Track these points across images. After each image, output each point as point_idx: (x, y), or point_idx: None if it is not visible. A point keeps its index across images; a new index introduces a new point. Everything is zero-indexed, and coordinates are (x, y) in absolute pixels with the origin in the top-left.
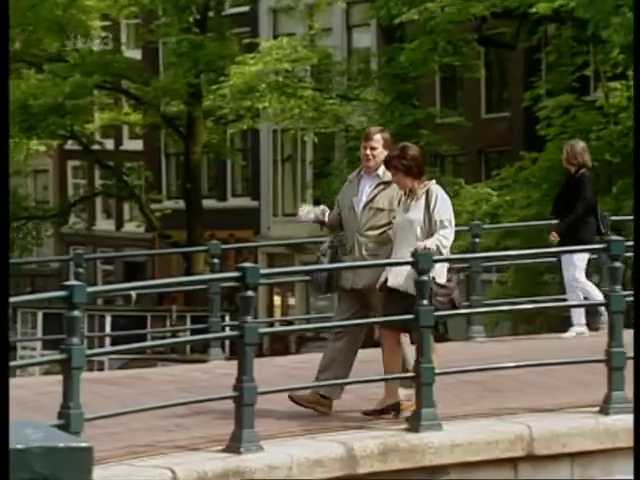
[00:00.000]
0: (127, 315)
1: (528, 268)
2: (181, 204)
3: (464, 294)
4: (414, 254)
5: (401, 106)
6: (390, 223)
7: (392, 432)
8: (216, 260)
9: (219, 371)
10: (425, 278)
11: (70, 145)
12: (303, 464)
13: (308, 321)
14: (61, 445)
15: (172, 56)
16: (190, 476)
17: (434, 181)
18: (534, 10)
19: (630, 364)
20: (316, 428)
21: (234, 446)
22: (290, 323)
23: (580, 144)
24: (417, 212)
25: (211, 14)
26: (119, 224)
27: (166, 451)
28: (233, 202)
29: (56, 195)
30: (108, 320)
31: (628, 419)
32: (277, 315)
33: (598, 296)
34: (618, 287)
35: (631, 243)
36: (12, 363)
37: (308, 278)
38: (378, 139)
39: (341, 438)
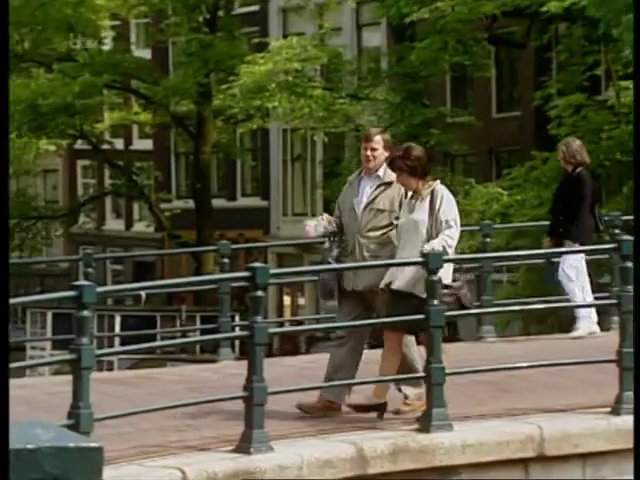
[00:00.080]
0: (137, 315)
1: (539, 268)
2: (191, 204)
3: (475, 294)
4: (424, 254)
5: (411, 105)
6: (391, 224)
7: (402, 432)
8: (226, 260)
9: (229, 371)
10: (435, 278)
11: (80, 145)
12: (313, 464)
13: (318, 321)
14: (71, 445)
15: (182, 55)
16: (200, 476)
17: (438, 181)
18: (545, 9)
19: None
20: (326, 428)
21: (244, 446)
22: (300, 323)
23: (576, 142)
24: (422, 213)
25: (221, 13)
26: (129, 224)
27: (176, 451)
28: (243, 202)
29: (66, 195)
30: (117, 320)
31: None
32: (287, 315)
33: (578, 301)
34: (629, 287)
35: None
36: (21, 363)
37: (317, 282)
38: (378, 140)
39: (351, 438)
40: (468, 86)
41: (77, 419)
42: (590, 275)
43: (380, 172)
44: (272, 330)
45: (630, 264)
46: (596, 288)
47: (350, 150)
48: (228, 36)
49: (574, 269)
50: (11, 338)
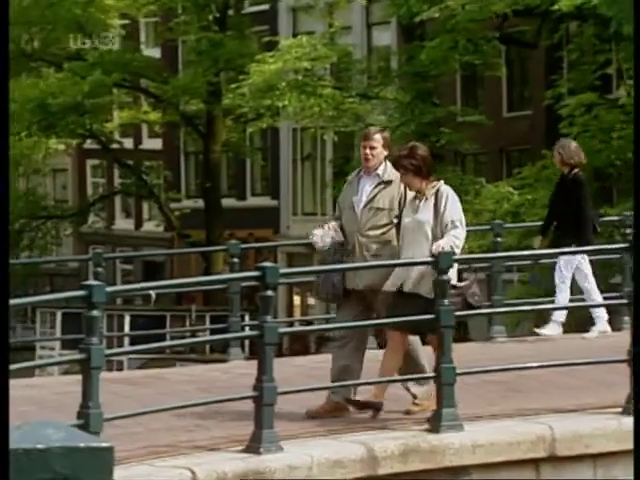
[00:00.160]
0: (146, 315)
1: (550, 267)
2: (200, 203)
3: (485, 293)
4: (435, 254)
5: (421, 105)
6: (391, 223)
7: (413, 433)
8: (235, 259)
9: (238, 371)
10: (445, 278)
11: (89, 144)
12: (323, 464)
13: (328, 321)
14: (82, 445)
15: (191, 54)
16: (210, 476)
17: (442, 181)
18: (556, 8)
19: None
20: (336, 428)
21: (254, 446)
22: (310, 323)
23: (572, 143)
24: (426, 213)
25: (231, 12)
26: (138, 223)
27: (186, 451)
28: (252, 201)
29: (75, 194)
30: (127, 320)
31: None
32: (297, 315)
33: (560, 302)
34: None
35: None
36: (31, 363)
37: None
38: (378, 139)
39: (362, 439)
40: (479, 85)
41: (87, 419)
42: (596, 275)
43: (379, 171)
44: (282, 330)
45: None
46: (608, 288)
47: (360, 149)
48: (238, 35)
49: (569, 270)
50: (21, 338)
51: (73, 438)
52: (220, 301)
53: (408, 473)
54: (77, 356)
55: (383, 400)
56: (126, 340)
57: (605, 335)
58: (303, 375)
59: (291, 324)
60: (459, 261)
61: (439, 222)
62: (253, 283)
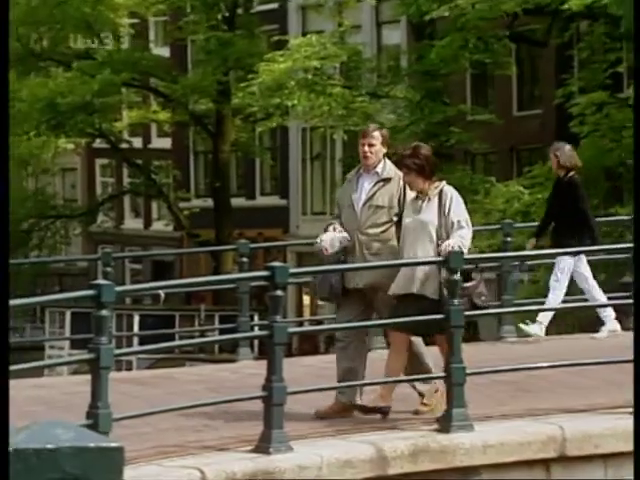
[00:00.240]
0: (155, 314)
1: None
2: (209, 203)
3: (495, 293)
4: (446, 254)
5: (431, 103)
6: (391, 221)
7: (422, 433)
8: (245, 259)
9: (248, 371)
10: (456, 277)
11: (98, 143)
12: (333, 464)
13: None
14: (92, 445)
15: (201, 53)
16: (219, 476)
17: (445, 182)
18: (566, 6)
19: None
20: (346, 429)
21: (263, 446)
22: (319, 323)
23: (567, 146)
24: (430, 213)
25: (240, 11)
26: (147, 223)
27: (195, 451)
28: (262, 201)
29: (84, 194)
30: (136, 319)
31: None
32: (306, 314)
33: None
34: None
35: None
36: (40, 363)
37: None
38: (376, 136)
39: (371, 439)
40: (489, 84)
41: (96, 419)
42: (606, 274)
43: (378, 168)
44: (291, 330)
45: None
46: (618, 288)
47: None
48: (247, 34)
49: (565, 272)
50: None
51: (83, 438)
52: (229, 301)
53: (418, 473)
54: (86, 356)
55: (390, 402)
56: (135, 340)
57: (615, 335)
58: (312, 375)
59: (300, 324)
60: (467, 261)
61: (444, 223)
62: (262, 283)
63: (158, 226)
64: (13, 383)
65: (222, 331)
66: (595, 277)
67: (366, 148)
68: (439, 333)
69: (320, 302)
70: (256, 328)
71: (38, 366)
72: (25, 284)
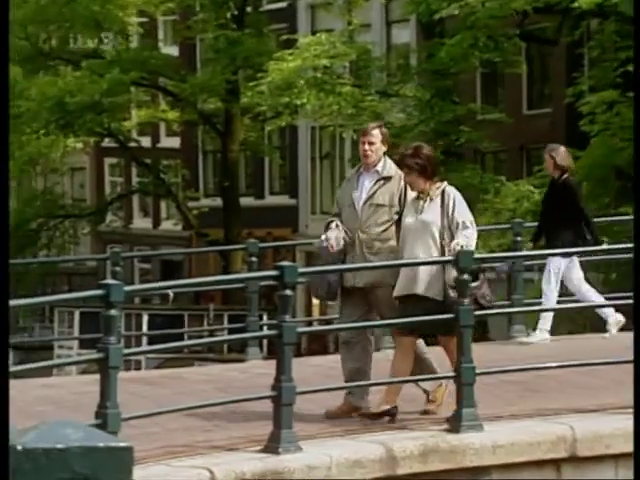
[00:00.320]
0: (164, 314)
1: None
2: (218, 202)
3: (505, 293)
4: (456, 253)
5: (441, 102)
6: (391, 219)
7: (432, 433)
8: (254, 259)
9: (257, 371)
10: (466, 277)
11: (107, 143)
12: (342, 464)
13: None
14: (101, 445)
15: (209, 52)
16: (228, 476)
17: (446, 182)
18: (577, 5)
19: None
20: (355, 428)
21: (272, 446)
22: (328, 322)
23: (561, 148)
24: (432, 214)
25: (249, 10)
26: (156, 222)
27: (204, 451)
28: (271, 200)
29: (93, 193)
30: (145, 319)
31: None
32: (315, 314)
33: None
34: None
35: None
36: (49, 362)
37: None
38: (376, 134)
39: (381, 439)
40: (499, 83)
41: (104, 419)
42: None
43: (379, 167)
44: (300, 329)
45: None
46: (628, 287)
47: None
48: (256, 33)
49: (555, 274)
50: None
51: (93, 438)
52: (238, 300)
53: (428, 473)
54: (95, 355)
55: (396, 403)
56: (144, 339)
57: (624, 333)
58: (321, 375)
59: (310, 323)
60: (481, 260)
61: (448, 223)
62: (271, 282)
63: (167, 225)
64: (22, 382)
65: (231, 331)
66: (608, 277)
67: (366, 146)
68: (443, 334)
69: (316, 300)
70: (265, 328)
71: (47, 366)
72: (34, 284)
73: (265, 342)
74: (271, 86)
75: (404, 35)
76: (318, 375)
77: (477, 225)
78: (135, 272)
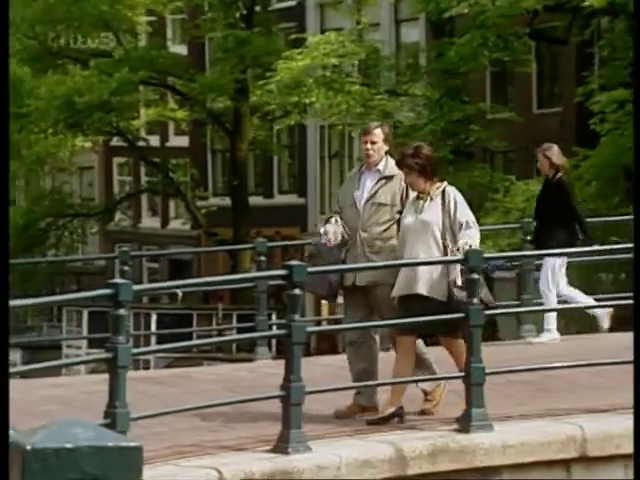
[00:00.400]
0: (173, 313)
1: (581, 266)
2: (227, 201)
3: (515, 292)
4: (465, 252)
5: (450, 102)
6: (393, 219)
7: (442, 433)
8: (262, 258)
9: (265, 370)
10: (476, 276)
11: (115, 142)
12: (352, 464)
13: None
14: (111, 445)
15: (218, 51)
16: (237, 476)
17: (446, 182)
18: (587, 3)
19: None
20: (364, 428)
21: (281, 446)
22: (337, 322)
23: (555, 147)
24: (433, 213)
25: (258, 9)
26: (165, 221)
27: (212, 451)
28: (280, 199)
29: (101, 192)
30: (154, 318)
31: None
32: (324, 314)
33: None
34: None
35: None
36: (57, 362)
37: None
38: (378, 133)
39: (390, 439)
40: (508, 82)
41: (113, 418)
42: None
43: (380, 166)
44: (310, 329)
45: None
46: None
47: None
48: (265, 32)
49: (552, 273)
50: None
51: (102, 437)
52: (247, 300)
53: (437, 473)
54: (104, 355)
55: (401, 404)
56: (153, 339)
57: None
58: (330, 375)
59: (319, 323)
60: (493, 259)
61: (450, 223)
62: (280, 282)
63: (175, 225)
64: (31, 382)
65: (240, 330)
66: (617, 276)
67: (368, 146)
68: (443, 334)
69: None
70: (274, 327)
71: (55, 365)
72: (42, 283)
73: (274, 342)
74: (280, 85)
75: (413, 34)
76: (327, 375)
77: (486, 224)
78: (144, 271)
